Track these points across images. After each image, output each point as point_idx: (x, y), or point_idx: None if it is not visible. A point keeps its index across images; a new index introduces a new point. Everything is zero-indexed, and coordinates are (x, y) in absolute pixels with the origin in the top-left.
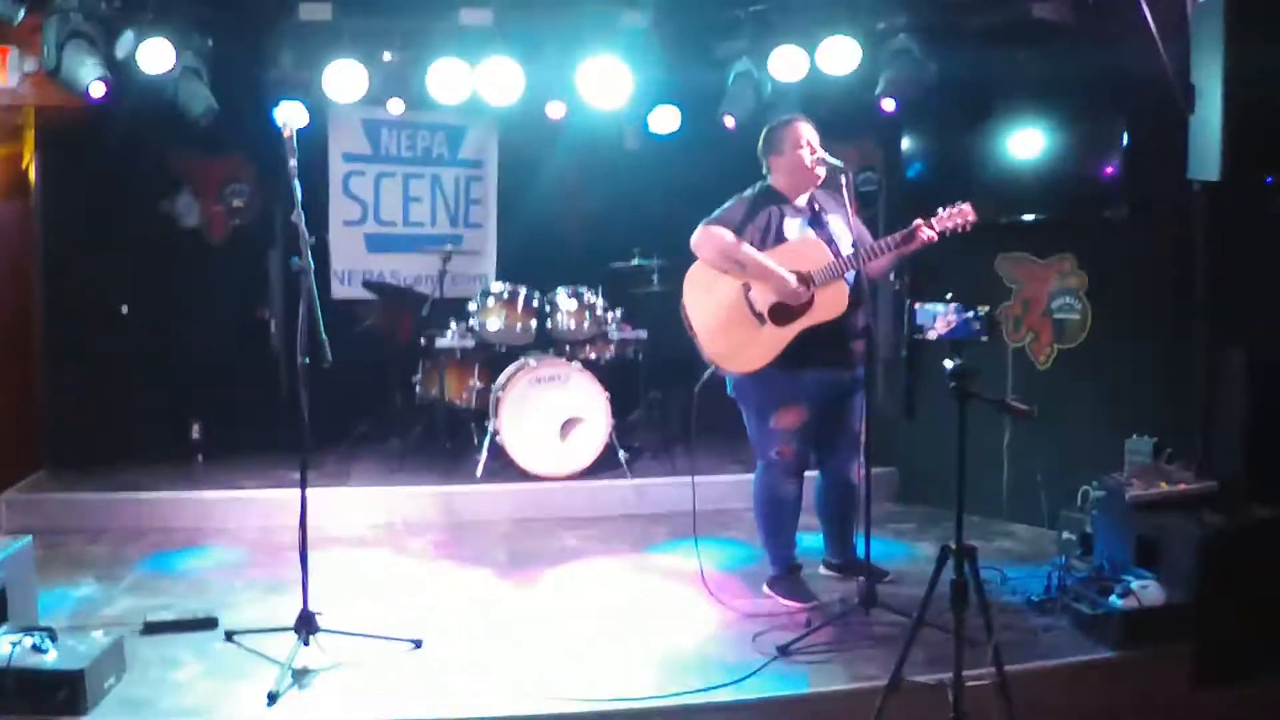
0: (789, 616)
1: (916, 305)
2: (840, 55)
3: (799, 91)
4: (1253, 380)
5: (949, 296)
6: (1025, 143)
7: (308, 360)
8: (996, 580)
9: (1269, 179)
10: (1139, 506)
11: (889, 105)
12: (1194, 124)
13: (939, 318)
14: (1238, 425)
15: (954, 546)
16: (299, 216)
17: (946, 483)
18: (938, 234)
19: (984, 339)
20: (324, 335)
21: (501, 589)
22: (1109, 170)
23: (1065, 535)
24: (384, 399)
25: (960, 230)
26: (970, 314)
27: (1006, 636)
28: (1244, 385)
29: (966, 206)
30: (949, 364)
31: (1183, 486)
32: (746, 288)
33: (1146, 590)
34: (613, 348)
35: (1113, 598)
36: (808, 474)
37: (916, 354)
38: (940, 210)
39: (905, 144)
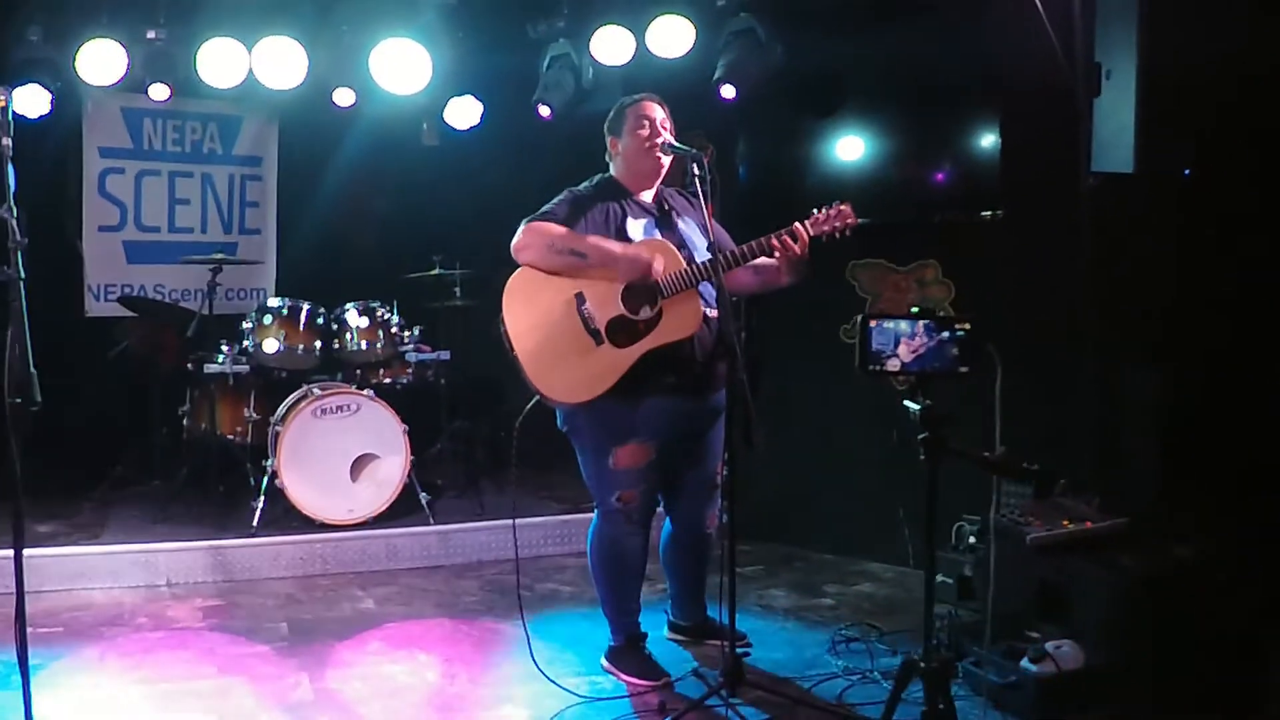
0: (637, 699)
1: (873, 323)
2: (672, 36)
3: (624, 77)
4: (1166, 403)
5: (914, 310)
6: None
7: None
8: (871, 639)
9: (1185, 171)
10: (1041, 549)
11: (728, 93)
12: (1100, 109)
13: (902, 341)
14: (1152, 452)
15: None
16: (9, 211)
17: (794, 516)
18: (812, 237)
19: (964, 370)
20: (33, 369)
21: (282, 675)
22: (975, 166)
23: (940, 578)
24: (146, 434)
25: (839, 235)
26: (945, 335)
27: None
28: (1157, 408)
29: (846, 207)
30: (912, 406)
31: (1089, 525)
32: (580, 299)
33: (1062, 651)
34: (410, 371)
35: (1024, 661)
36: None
37: (756, 368)
38: (815, 212)
39: (744, 137)
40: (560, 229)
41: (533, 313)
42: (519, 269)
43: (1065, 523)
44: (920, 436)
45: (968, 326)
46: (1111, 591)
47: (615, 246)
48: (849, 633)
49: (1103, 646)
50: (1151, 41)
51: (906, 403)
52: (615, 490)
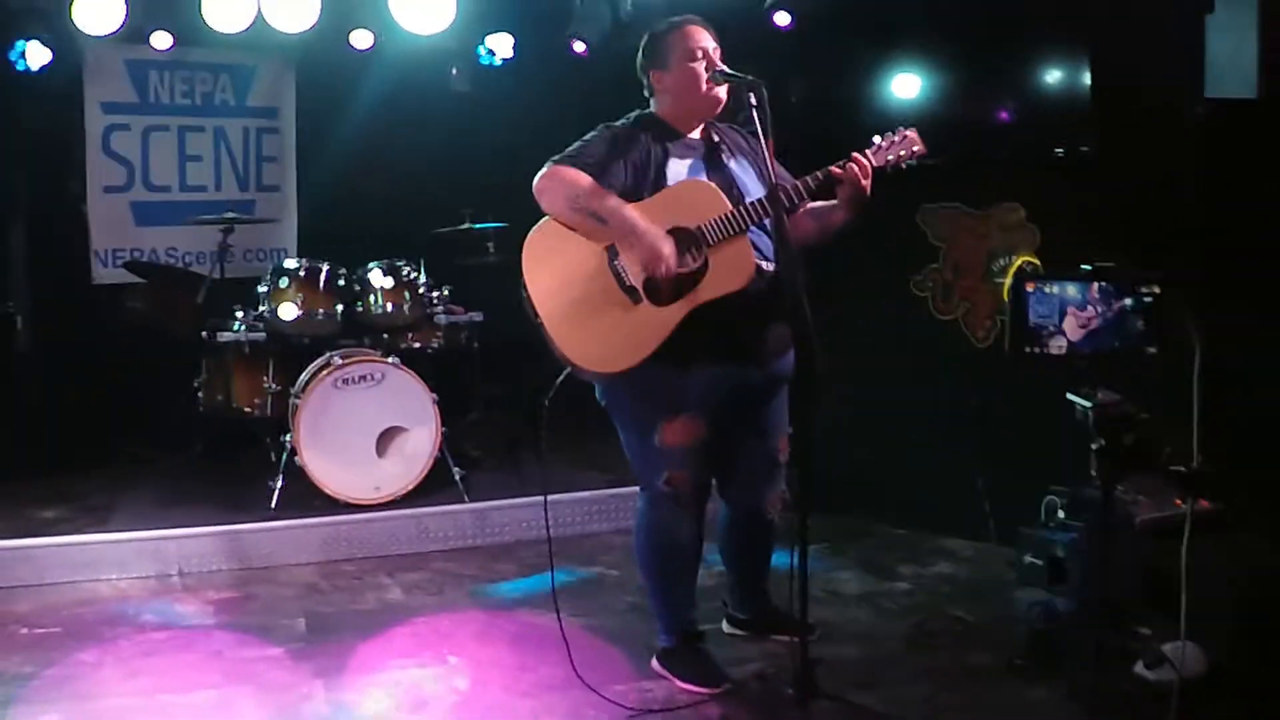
0: (693, 711)
1: (1030, 286)
2: None
3: (667, 4)
4: None
5: (1086, 267)
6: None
7: None
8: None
9: None
10: (1151, 532)
11: (782, 20)
12: (1213, 26)
13: (1070, 310)
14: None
15: None
16: None
17: (862, 487)
18: (874, 168)
19: (1152, 351)
20: None
21: (294, 683)
22: (1061, 96)
23: (1029, 559)
24: (159, 408)
25: (904, 165)
26: (1127, 302)
27: None
28: None
29: (912, 133)
30: (1079, 401)
31: (1206, 505)
32: (612, 253)
33: (1182, 652)
34: (440, 335)
35: (1138, 667)
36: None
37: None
38: (877, 139)
39: (801, 71)
40: (586, 181)
41: (558, 272)
42: (537, 225)
43: (1178, 501)
44: (1095, 447)
45: (1157, 290)
46: (1238, 582)
47: (640, 223)
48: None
49: (1228, 648)
50: None
51: (1072, 397)
52: (662, 471)
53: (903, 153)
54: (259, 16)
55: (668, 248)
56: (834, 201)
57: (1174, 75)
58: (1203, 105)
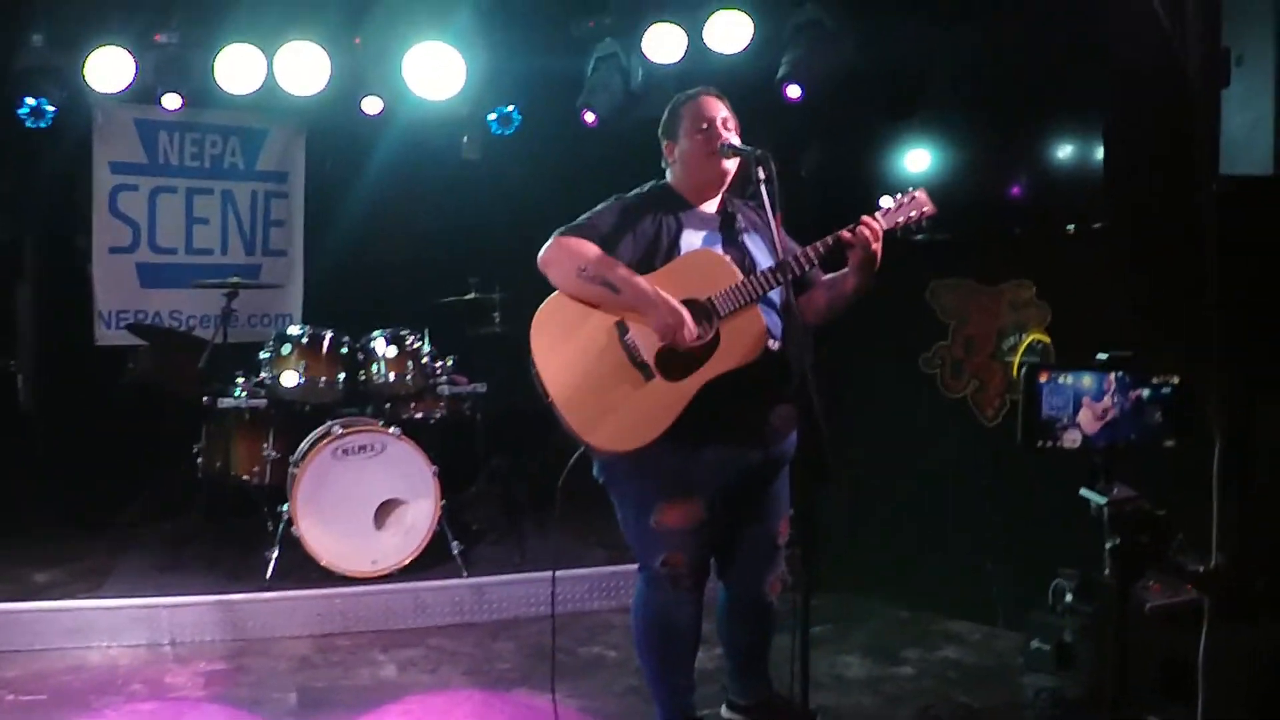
0: None
1: (1043, 377)
2: (730, 30)
3: (678, 77)
4: None
5: (1101, 357)
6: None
7: None
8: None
9: None
10: (1162, 619)
11: (793, 93)
12: (1229, 102)
13: (1085, 402)
14: None
15: None
16: None
17: (867, 567)
18: (884, 231)
19: (1170, 444)
20: None
21: None
22: (1074, 172)
23: (1036, 644)
24: (159, 472)
25: (915, 226)
26: (1144, 393)
27: None
28: None
29: (921, 194)
30: (1094, 497)
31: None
32: (621, 328)
33: None
34: (443, 405)
35: None
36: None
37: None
38: (886, 202)
39: (812, 142)
40: (594, 250)
41: (568, 349)
42: (545, 302)
43: (1189, 586)
44: (1108, 545)
45: (1176, 381)
46: (1255, 672)
47: (654, 291)
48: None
49: None
50: None
51: (1086, 493)
52: (660, 552)
53: (913, 214)
54: (270, 80)
55: (685, 313)
56: (845, 270)
57: (1189, 151)
58: (1219, 182)
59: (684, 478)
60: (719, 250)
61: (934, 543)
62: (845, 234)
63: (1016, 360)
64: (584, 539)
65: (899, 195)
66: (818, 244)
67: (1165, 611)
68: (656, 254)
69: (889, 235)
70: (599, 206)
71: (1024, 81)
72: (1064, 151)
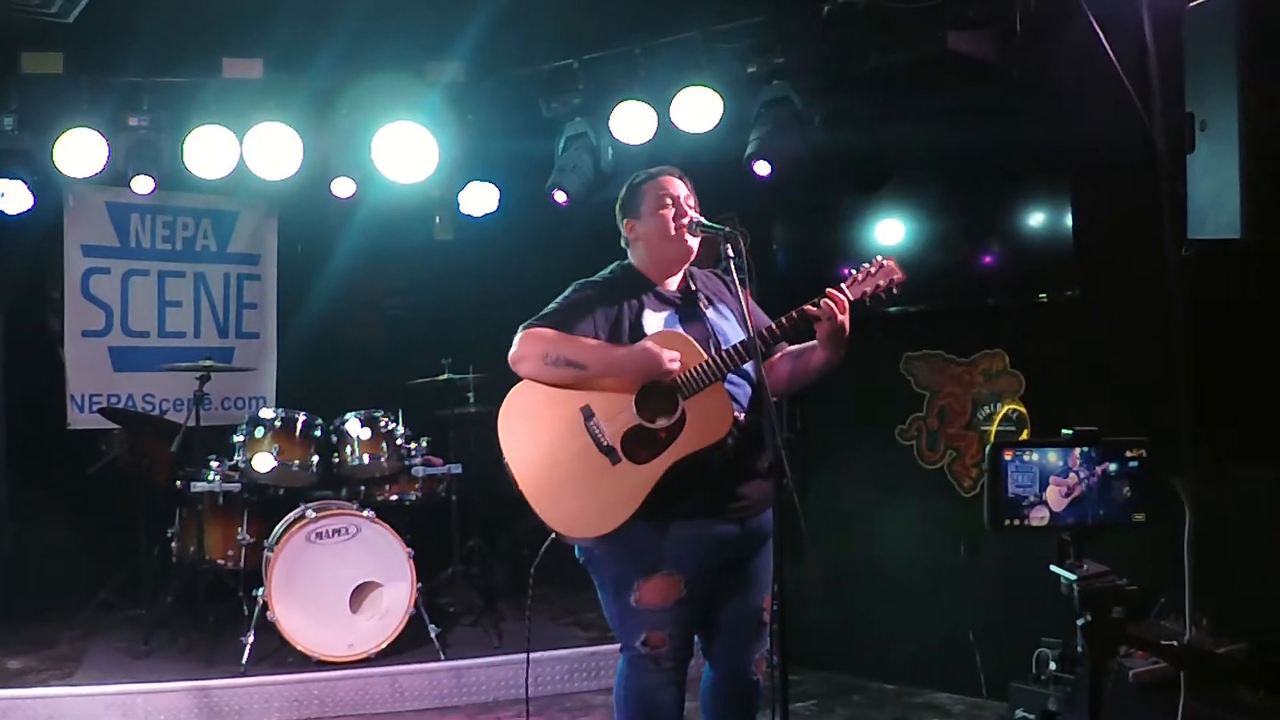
0: None
1: (1008, 454)
2: (698, 109)
3: (648, 155)
4: None
5: (1069, 432)
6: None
7: None
8: None
9: None
10: (1147, 686)
11: (762, 170)
12: (1194, 167)
13: (1052, 480)
14: (1269, 564)
15: None
16: None
17: (850, 641)
18: (852, 302)
19: (1139, 519)
20: None
21: None
22: (1042, 242)
23: (1020, 714)
24: (133, 557)
25: (884, 294)
26: (1112, 468)
27: None
28: (1274, 513)
29: (890, 261)
30: (1064, 574)
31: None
32: (587, 413)
33: None
34: (418, 487)
35: None
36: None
37: (803, 477)
38: (852, 272)
39: (780, 219)
40: (557, 335)
41: (534, 437)
42: (511, 391)
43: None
44: (1080, 622)
45: (1143, 454)
46: None
47: (618, 349)
48: None
49: None
50: (1257, 83)
51: (1056, 570)
52: (640, 632)
53: (880, 282)
54: (241, 163)
55: (653, 346)
56: (813, 342)
57: (1157, 217)
58: (1188, 247)
59: (659, 555)
60: (679, 330)
61: (915, 614)
62: (810, 308)
63: (993, 430)
64: (562, 620)
65: (866, 264)
66: (782, 318)
67: (1148, 680)
68: (620, 336)
69: (858, 305)
70: (562, 295)
71: (993, 151)
72: (1034, 220)
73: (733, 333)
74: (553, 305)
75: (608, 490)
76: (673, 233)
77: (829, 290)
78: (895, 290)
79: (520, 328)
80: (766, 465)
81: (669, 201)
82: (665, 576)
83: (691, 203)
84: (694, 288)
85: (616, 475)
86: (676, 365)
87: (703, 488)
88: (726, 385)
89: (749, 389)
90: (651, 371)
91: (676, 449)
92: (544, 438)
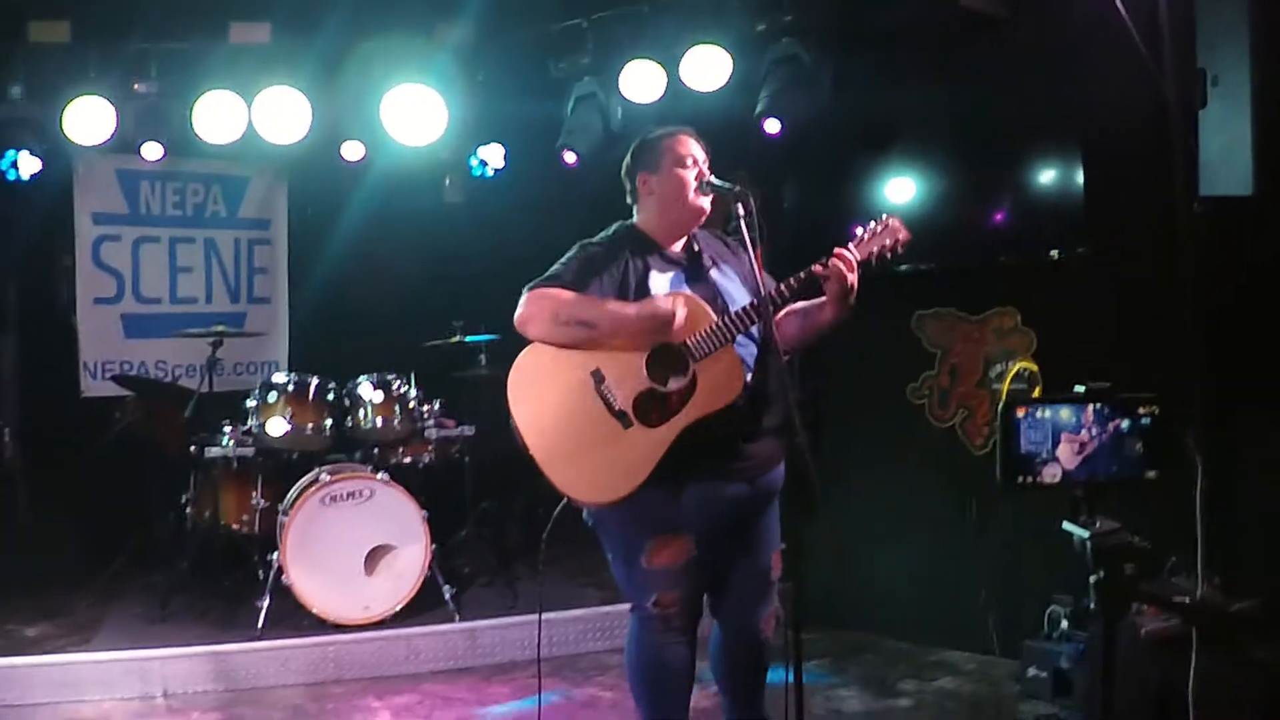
0: None
1: (1020, 411)
2: (708, 67)
3: (657, 115)
4: None
5: (1080, 389)
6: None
7: None
8: None
9: None
10: (1159, 643)
11: (772, 127)
12: (1206, 123)
13: (1064, 436)
14: None
15: None
16: None
17: (862, 599)
18: (860, 261)
19: (1152, 475)
20: None
21: None
22: (1054, 198)
23: (1033, 672)
24: (148, 523)
25: (890, 254)
26: (1124, 424)
27: None
28: None
29: (894, 220)
30: (1076, 531)
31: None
32: (597, 376)
33: None
34: (432, 449)
35: None
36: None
37: (814, 434)
38: (859, 231)
39: (791, 177)
40: (565, 294)
41: (545, 401)
42: (520, 354)
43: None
44: (1093, 579)
45: (1155, 410)
46: (1249, 696)
47: (628, 307)
48: None
49: None
50: (1270, 37)
51: (1068, 526)
52: (651, 592)
53: (887, 242)
54: (250, 128)
55: (665, 304)
56: (821, 299)
57: (1168, 173)
58: (1199, 203)
59: (670, 517)
60: (686, 290)
61: (927, 573)
62: (818, 268)
63: (1005, 388)
64: (577, 580)
65: (871, 223)
66: (790, 279)
67: (1160, 637)
68: (626, 297)
69: (865, 265)
70: (566, 255)
71: (1003, 109)
72: (1045, 178)
73: (738, 294)
74: (557, 266)
75: (621, 455)
76: (691, 195)
77: (836, 250)
78: (900, 250)
79: (526, 289)
80: (775, 424)
81: (689, 162)
82: (676, 537)
83: (706, 167)
84: (697, 248)
85: (629, 439)
86: (684, 318)
87: (713, 449)
88: (735, 347)
89: (755, 349)
90: (660, 326)
91: (689, 412)
92: (555, 402)
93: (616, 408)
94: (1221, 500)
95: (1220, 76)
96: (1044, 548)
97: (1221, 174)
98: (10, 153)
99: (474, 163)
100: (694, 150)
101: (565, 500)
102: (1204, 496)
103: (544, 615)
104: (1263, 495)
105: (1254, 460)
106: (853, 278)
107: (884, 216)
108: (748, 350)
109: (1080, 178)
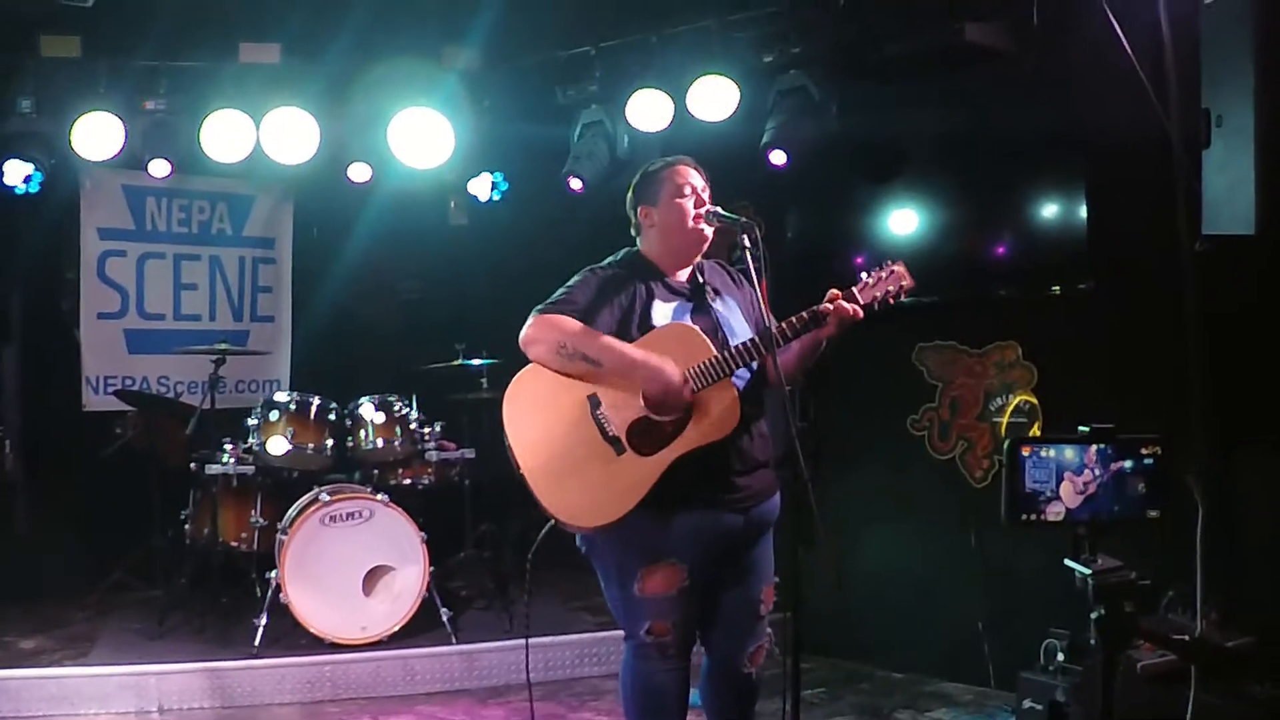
0: None
1: (1025, 450)
2: (715, 98)
3: (663, 143)
4: None
5: (1085, 429)
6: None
7: None
8: None
9: None
10: (1154, 678)
11: (778, 159)
12: (1210, 162)
13: (1066, 475)
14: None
15: None
16: None
17: (859, 629)
18: (863, 306)
19: (1154, 515)
20: None
21: None
22: (1057, 234)
23: (1028, 704)
24: (147, 538)
25: (892, 300)
26: (1126, 465)
27: None
28: None
29: (900, 267)
30: (1078, 569)
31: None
32: (594, 401)
33: None
34: (431, 471)
35: None
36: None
37: (814, 466)
38: (863, 276)
39: (795, 208)
40: (574, 326)
41: (540, 423)
42: (518, 375)
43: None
44: (1094, 616)
45: (1158, 451)
46: None
47: (635, 354)
48: None
49: None
50: (1274, 78)
51: (1070, 564)
52: (644, 620)
53: (890, 289)
54: (257, 148)
55: (670, 367)
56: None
57: (1171, 210)
58: (1202, 241)
59: (661, 545)
60: (688, 321)
61: (924, 603)
62: (824, 308)
63: (1004, 421)
64: (571, 605)
65: (877, 269)
66: (794, 319)
67: (1157, 671)
68: (629, 325)
69: (867, 308)
70: (573, 280)
71: (1007, 143)
72: (1048, 212)
73: (739, 326)
74: (564, 291)
75: (611, 480)
76: (691, 223)
77: (839, 304)
78: (903, 296)
79: (534, 311)
80: (772, 457)
81: (687, 191)
82: (668, 565)
83: (707, 194)
84: (702, 279)
85: (621, 466)
86: (681, 382)
87: (707, 480)
88: (733, 379)
89: (754, 382)
90: (661, 389)
91: (682, 442)
92: (549, 424)
93: (610, 433)
94: (1221, 536)
95: (1224, 117)
96: (1042, 580)
97: (1224, 213)
98: (17, 165)
99: (478, 188)
100: (692, 179)
101: (552, 523)
102: (1204, 533)
103: (539, 639)
104: (1263, 532)
105: (1254, 497)
106: (855, 316)
107: (888, 263)
108: (741, 380)
109: (1083, 212)
